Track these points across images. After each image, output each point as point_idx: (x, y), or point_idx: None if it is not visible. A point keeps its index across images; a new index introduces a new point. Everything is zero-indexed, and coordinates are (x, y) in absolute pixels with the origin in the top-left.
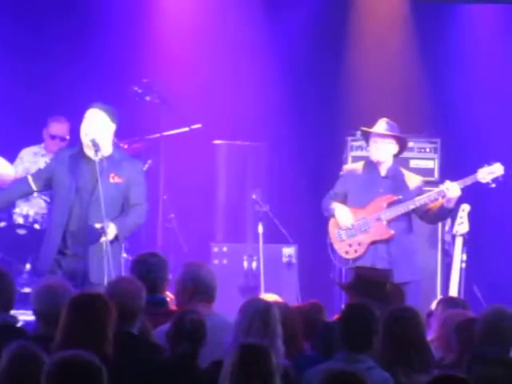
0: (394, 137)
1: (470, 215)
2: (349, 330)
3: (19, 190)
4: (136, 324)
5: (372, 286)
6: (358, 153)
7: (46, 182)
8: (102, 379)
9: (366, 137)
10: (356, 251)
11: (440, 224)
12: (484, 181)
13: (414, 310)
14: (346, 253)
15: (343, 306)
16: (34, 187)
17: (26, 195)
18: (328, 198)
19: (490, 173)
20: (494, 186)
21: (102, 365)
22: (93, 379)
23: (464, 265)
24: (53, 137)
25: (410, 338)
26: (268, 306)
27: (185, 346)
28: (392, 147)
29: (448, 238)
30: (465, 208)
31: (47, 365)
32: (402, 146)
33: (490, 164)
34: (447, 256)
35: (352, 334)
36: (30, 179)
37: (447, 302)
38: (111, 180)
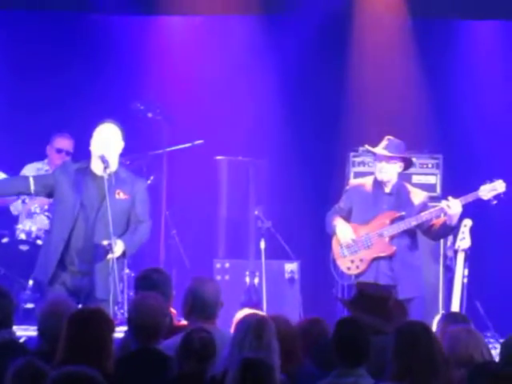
0: (398, 157)
1: (472, 230)
2: (340, 345)
3: (17, 186)
4: (159, 340)
5: (374, 302)
6: (360, 168)
7: (45, 189)
8: None
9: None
10: (358, 267)
11: (442, 239)
12: (485, 198)
13: (424, 325)
14: (348, 269)
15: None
16: (32, 189)
17: (22, 194)
18: (332, 213)
19: (491, 190)
20: (495, 202)
21: (104, 380)
22: None
23: (466, 280)
24: (59, 150)
25: (421, 353)
26: (261, 320)
27: (193, 363)
28: (397, 166)
29: (450, 253)
30: (467, 223)
31: (48, 380)
32: (408, 164)
33: (492, 181)
34: (449, 271)
35: (343, 349)
36: (31, 181)
37: (448, 317)
38: (117, 196)
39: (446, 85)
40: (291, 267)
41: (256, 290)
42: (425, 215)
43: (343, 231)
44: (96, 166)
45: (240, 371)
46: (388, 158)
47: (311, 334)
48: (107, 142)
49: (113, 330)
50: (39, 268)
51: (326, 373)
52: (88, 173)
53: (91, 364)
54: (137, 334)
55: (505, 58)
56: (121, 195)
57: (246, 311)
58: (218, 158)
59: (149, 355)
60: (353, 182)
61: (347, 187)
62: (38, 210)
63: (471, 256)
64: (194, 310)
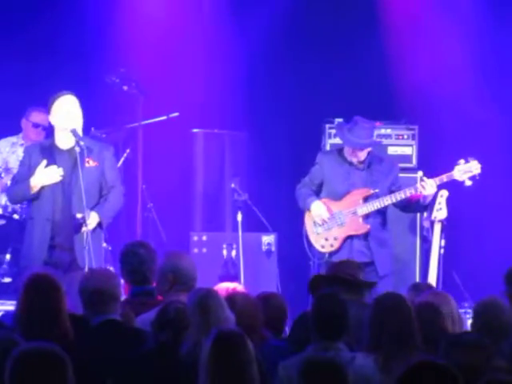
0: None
1: (449, 201)
2: (320, 318)
3: (25, 194)
4: (117, 311)
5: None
6: (336, 140)
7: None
8: (65, 368)
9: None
10: (332, 245)
11: None
12: (460, 179)
13: (401, 297)
14: (322, 247)
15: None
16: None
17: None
18: (302, 187)
19: (466, 171)
20: (470, 183)
21: (65, 353)
22: (56, 369)
23: (442, 251)
24: (36, 125)
25: (396, 325)
26: (207, 294)
27: (168, 333)
28: (368, 149)
29: (426, 224)
30: (443, 194)
31: (8, 361)
32: None
33: (466, 161)
34: (426, 242)
35: (324, 322)
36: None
37: (414, 288)
38: (87, 164)
39: (423, 55)
40: (268, 239)
41: (233, 263)
42: (399, 194)
43: (318, 210)
44: (61, 141)
45: (212, 345)
46: (361, 148)
47: (268, 309)
48: (73, 115)
49: (63, 295)
50: (27, 253)
51: (292, 346)
52: (54, 149)
53: (50, 329)
54: (91, 304)
55: (485, 27)
56: (90, 163)
57: (224, 285)
58: (194, 130)
59: (106, 326)
60: (322, 154)
61: (317, 160)
62: None
63: (448, 226)
64: (177, 283)
